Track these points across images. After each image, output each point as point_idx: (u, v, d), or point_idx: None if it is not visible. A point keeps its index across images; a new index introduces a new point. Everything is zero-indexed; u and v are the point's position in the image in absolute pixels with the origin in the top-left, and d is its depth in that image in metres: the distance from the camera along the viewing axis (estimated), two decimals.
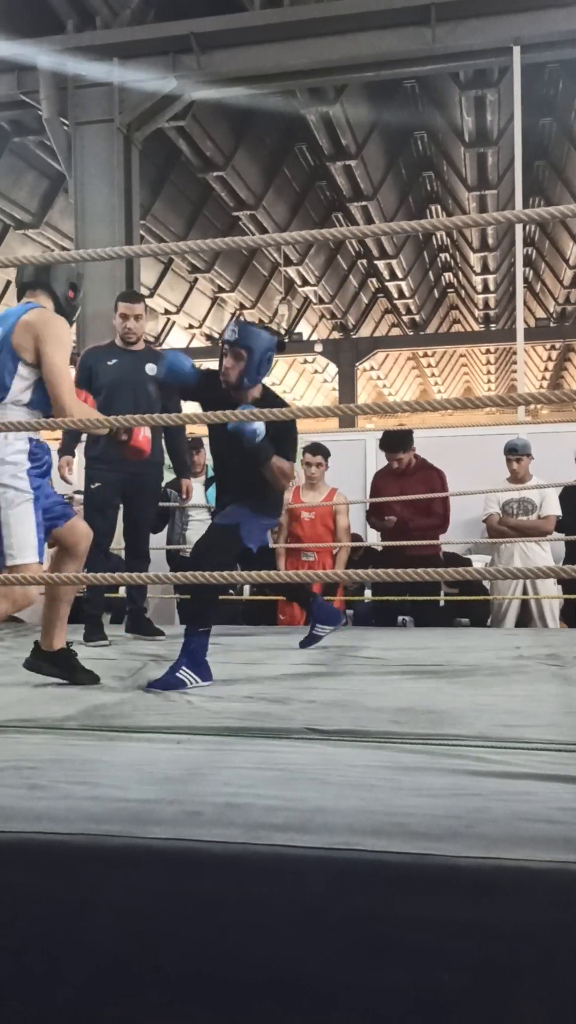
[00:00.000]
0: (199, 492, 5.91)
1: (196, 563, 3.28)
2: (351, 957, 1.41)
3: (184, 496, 5.13)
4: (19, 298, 3.18)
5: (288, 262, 16.34)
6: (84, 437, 4.63)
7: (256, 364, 3.29)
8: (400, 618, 5.77)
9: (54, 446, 3.79)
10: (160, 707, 2.79)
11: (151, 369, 4.42)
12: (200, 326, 18.48)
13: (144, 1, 8.51)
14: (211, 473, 5.96)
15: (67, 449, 4.56)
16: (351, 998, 1.41)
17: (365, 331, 20.73)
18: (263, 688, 3.13)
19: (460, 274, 19.90)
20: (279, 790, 1.76)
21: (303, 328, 19.73)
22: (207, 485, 5.91)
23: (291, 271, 16.80)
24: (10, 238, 13.79)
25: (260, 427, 3.17)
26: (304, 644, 4.07)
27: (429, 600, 5.61)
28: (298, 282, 17.48)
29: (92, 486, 4.51)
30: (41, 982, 1.52)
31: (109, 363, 4.53)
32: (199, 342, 19.17)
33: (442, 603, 6.03)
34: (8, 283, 15.51)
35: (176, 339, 18.86)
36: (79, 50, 8.45)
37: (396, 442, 5.47)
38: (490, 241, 15.83)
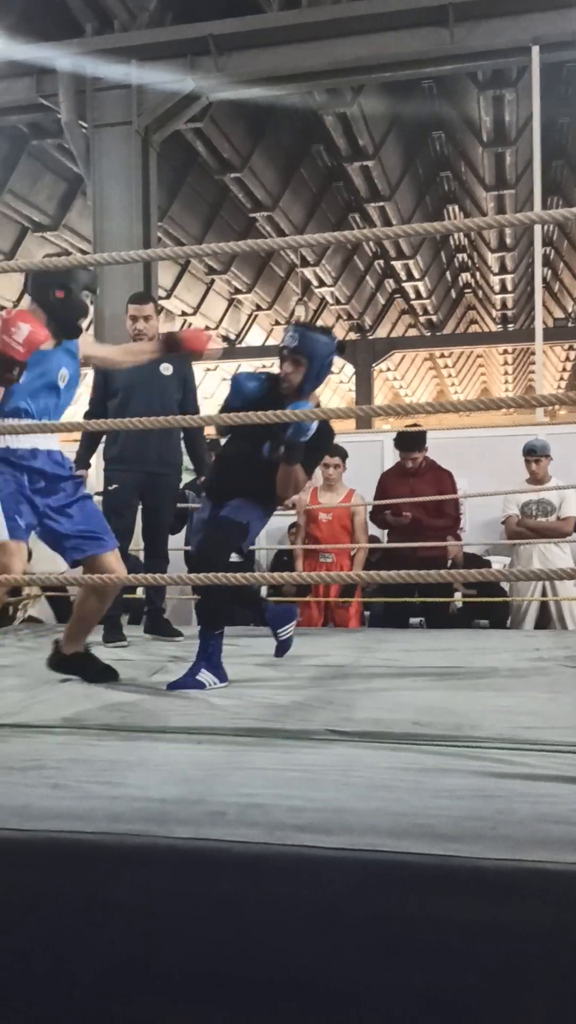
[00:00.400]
0: None
1: (208, 557, 3.23)
2: (372, 958, 1.41)
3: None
4: None
5: (305, 263, 16.33)
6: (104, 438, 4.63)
7: (316, 371, 3.26)
8: (413, 620, 5.76)
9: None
10: (180, 708, 2.80)
11: (166, 369, 4.43)
12: (216, 327, 18.49)
13: (162, 3, 8.53)
14: None
15: (82, 462, 4.55)
16: (372, 999, 1.41)
17: (382, 332, 20.70)
18: (282, 689, 3.13)
19: (478, 274, 19.83)
20: (301, 791, 1.76)
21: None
22: None
23: (308, 272, 16.79)
24: (28, 240, 13.85)
25: (313, 427, 3.16)
26: (279, 653, 3.85)
27: (441, 602, 5.60)
28: (315, 283, 17.47)
29: (110, 487, 4.53)
30: (61, 980, 1.52)
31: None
32: (215, 343, 19.19)
33: (459, 604, 6.02)
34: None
35: None
36: (97, 53, 8.47)
37: (412, 442, 5.47)
38: (508, 241, 15.77)
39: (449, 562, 5.84)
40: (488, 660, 3.81)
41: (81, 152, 8.91)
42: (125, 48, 8.46)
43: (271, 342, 19.61)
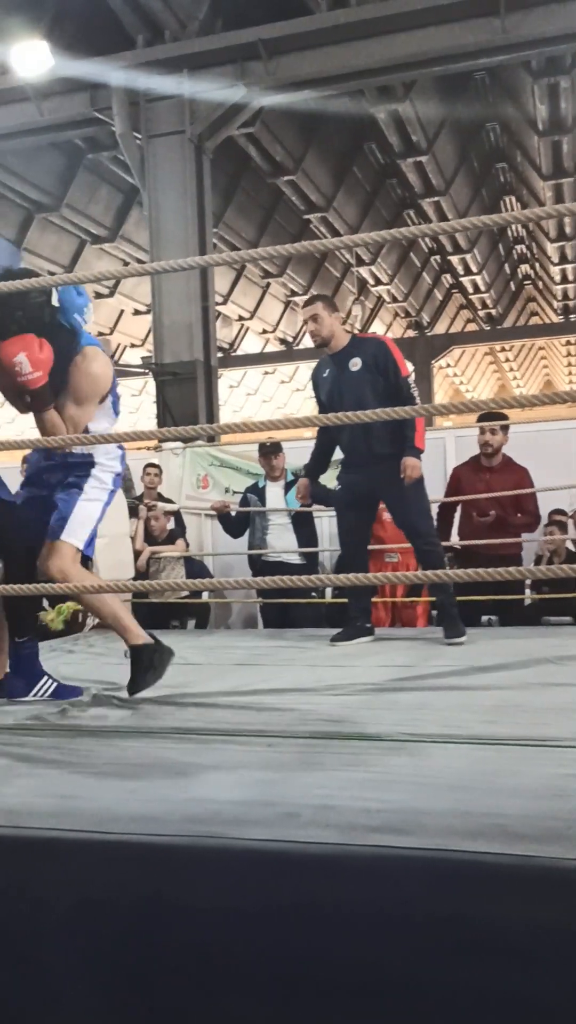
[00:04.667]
0: (279, 496, 5.94)
1: None
2: (448, 958, 1.40)
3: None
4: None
5: (360, 262, 16.30)
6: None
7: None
8: (484, 618, 5.69)
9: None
10: (248, 711, 2.81)
11: (354, 364, 4.28)
12: (273, 330, 18.57)
13: (212, 11, 8.60)
14: (290, 477, 5.99)
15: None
16: (447, 999, 1.41)
17: (440, 328, 20.53)
18: (349, 691, 3.12)
19: (537, 265, 19.55)
20: (373, 792, 1.76)
21: (377, 328, 19.64)
22: (287, 489, 5.93)
23: (363, 271, 16.76)
24: (87, 253, 14.09)
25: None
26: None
27: (514, 599, 5.50)
28: (371, 282, 17.42)
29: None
30: (140, 979, 1.55)
31: (324, 375, 4.45)
32: (273, 346, 19.27)
33: (527, 602, 5.92)
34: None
35: (250, 344, 18.99)
36: (149, 64, 8.59)
37: (496, 416, 5.28)
38: (567, 230, 15.51)
39: (545, 557, 5.77)
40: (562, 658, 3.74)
41: (136, 163, 9.04)
42: (176, 58, 8.57)
43: None
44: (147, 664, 3.02)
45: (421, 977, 1.41)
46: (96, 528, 3.07)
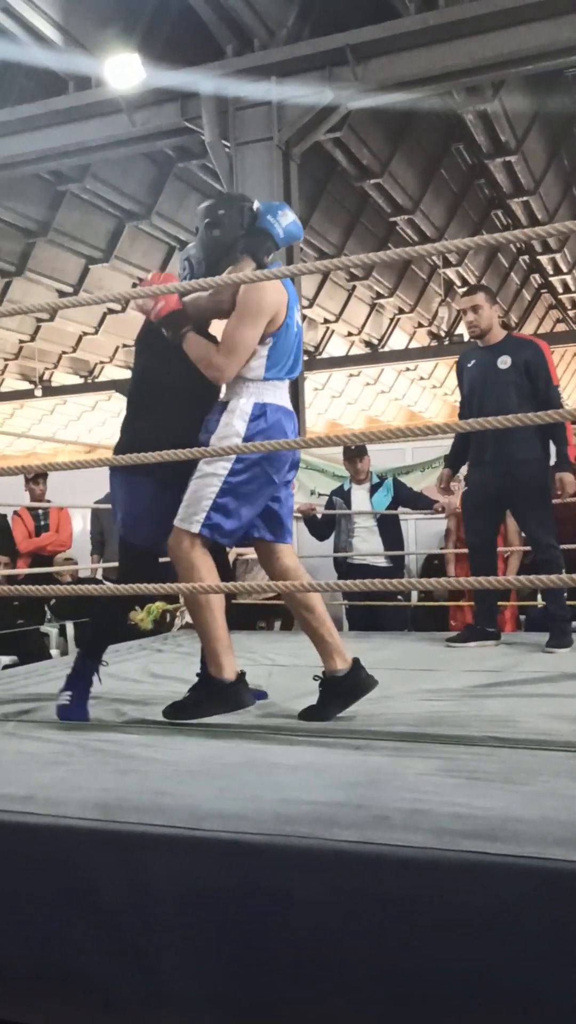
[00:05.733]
0: (364, 499, 5.94)
1: None
2: (546, 964, 1.39)
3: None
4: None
5: (447, 264, 16.13)
6: None
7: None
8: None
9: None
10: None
11: (503, 362, 4.22)
12: (359, 333, 18.53)
13: (300, 18, 8.65)
14: (375, 480, 5.99)
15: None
16: (545, 1005, 1.39)
17: (528, 329, 20.16)
18: (438, 695, 3.11)
19: None
20: (464, 797, 1.75)
21: (463, 330, 19.42)
22: (372, 492, 5.93)
23: (450, 272, 16.58)
24: (175, 259, 14.34)
25: None
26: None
27: None
28: (458, 283, 17.21)
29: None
30: (233, 976, 1.58)
31: (469, 365, 4.41)
32: (358, 349, 19.23)
33: None
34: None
35: (335, 347, 19.00)
36: (238, 73, 8.69)
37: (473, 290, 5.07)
38: None
39: None
40: None
41: (224, 170, 9.15)
42: (264, 66, 8.64)
43: (414, 344, 19.48)
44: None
45: (519, 981, 1.40)
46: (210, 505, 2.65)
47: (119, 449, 2.83)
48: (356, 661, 2.78)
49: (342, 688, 2.73)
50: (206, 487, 2.64)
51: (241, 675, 2.67)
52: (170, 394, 2.84)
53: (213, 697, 2.65)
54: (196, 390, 2.78)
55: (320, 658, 2.78)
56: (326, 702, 2.72)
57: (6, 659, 5.68)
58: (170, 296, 2.72)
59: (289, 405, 2.82)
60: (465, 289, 4.59)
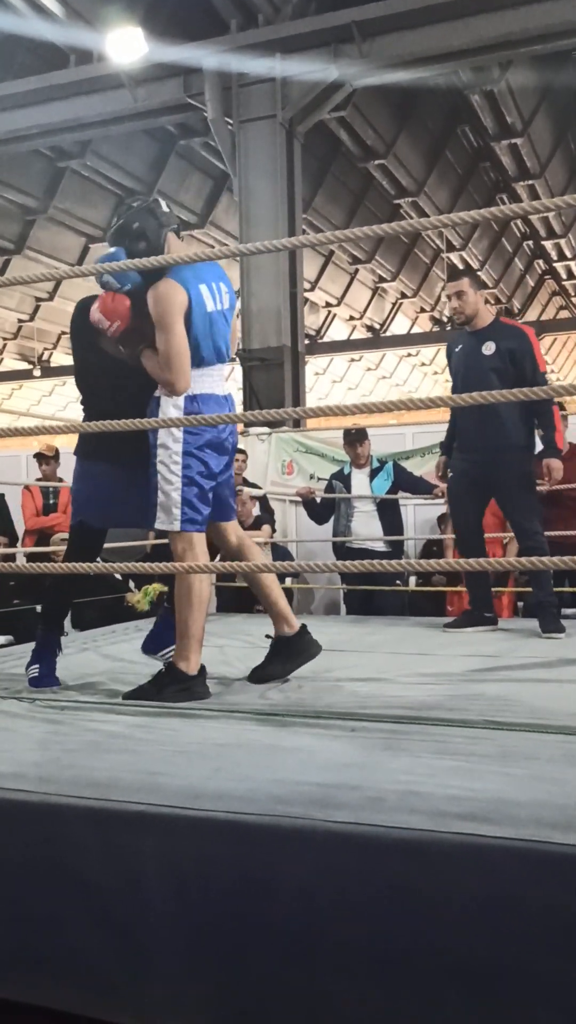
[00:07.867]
0: (364, 483, 5.91)
1: None
2: (542, 947, 1.38)
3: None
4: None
5: (451, 248, 16.04)
6: None
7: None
8: (567, 611, 5.55)
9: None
10: (329, 695, 2.81)
11: (487, 348, 4.16)
12: (361, 317, 18.45)
13: None
14: (375, 464, 5.95)
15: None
16: (539, 986, 1.38)
17: (531, 315, 20.07)
18: (434, 679, 3.09)
19: None
20: (460, 779, 1.73)
21: None
22: (372, 476, 5.90)
23: (454, 257, 16.48)
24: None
25: None
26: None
27: None
28: (461, 268, 17.13)
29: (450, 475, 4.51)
30: (225, 956, 1.56)
31: (456, 350, 4.37)
32: (359, 333, 19.15)
33: None
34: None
35: (337, 331, 18.92)
36: (242, 49, 8.58)
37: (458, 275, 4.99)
38: None
39: None
40: None
41: (227, 148, 9.06)
42: (269, 42, 8.54)
43: (416, 330, 19.39)
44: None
45: (514, 963, 1.39)
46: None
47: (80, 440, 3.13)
48: (303, 627, 3.07)
49: (289, 648, 3.03)
50: (172, 491, 2.86)
51: (202, 669, 2.86)
52: (106, 379, 3.08)
53: (174, 686, 2.79)
54: (130, 375, 2.97)
55: (272, 622, 3.07)
56: (270, 660, 3.04)
57: (1, 639, 5.65)
58: (124, 315, 2.89)
59: (223, 391, 2.96)
60: (449, 275, 4.52)
